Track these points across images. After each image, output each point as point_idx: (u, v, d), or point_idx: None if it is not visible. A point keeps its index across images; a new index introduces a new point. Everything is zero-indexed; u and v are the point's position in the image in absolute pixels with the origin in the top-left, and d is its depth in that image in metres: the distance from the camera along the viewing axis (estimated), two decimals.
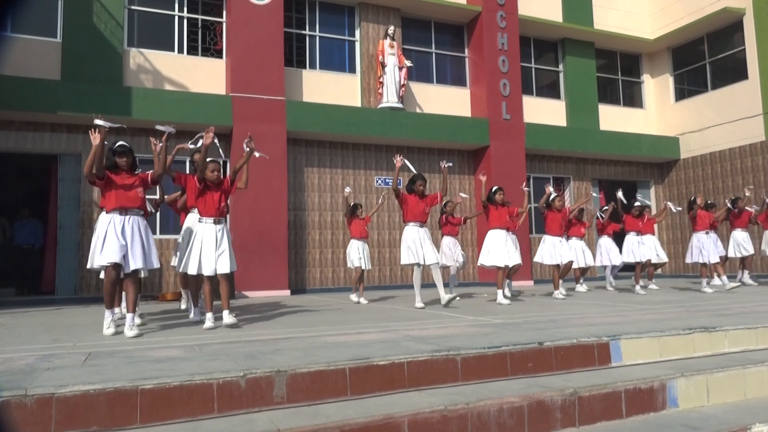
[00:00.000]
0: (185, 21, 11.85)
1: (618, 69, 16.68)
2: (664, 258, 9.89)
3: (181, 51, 11.75)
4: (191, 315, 6.10)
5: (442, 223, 8.94)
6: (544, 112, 14.91)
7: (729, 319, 4.91)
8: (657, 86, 16.82)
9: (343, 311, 6.96)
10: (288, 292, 11.08)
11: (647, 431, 3.19)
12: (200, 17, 12.00)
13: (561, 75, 15.60)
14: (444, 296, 6.99)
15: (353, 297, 8.61)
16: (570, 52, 15.48)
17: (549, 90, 15.64)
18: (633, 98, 16.95)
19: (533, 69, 15.32)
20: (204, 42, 12.01)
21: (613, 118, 15.91)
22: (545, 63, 15.65)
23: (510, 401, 3.09)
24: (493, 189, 7.83)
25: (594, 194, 7.97)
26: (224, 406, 2.86)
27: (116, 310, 5.18)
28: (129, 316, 4.89)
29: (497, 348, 3.59)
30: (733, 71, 14.79)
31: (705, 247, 9.35)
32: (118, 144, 5.08)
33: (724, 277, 9.39)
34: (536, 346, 3.70)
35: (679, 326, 4.41)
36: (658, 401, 3.49)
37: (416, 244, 6.98)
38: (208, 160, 5.31)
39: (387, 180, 12.91)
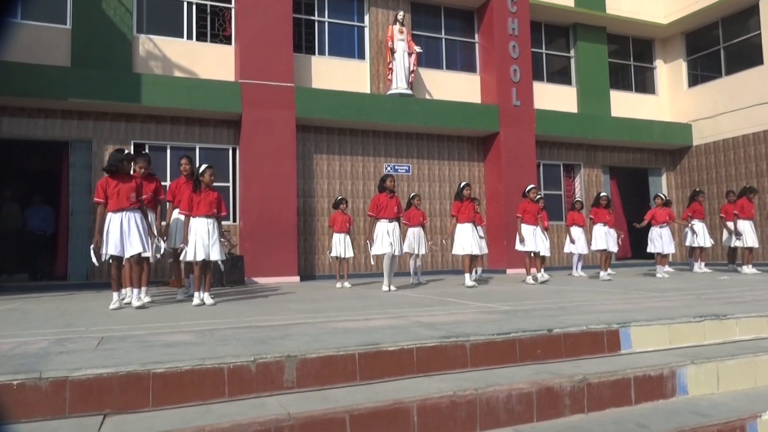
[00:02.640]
0: (194, 7, 11.81)
1: (630, 54, 16.46)
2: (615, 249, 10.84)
3: (190, 37, 11.73)
4: (178, 296, 6.98)
5: (405, 217, 9.54)
6: (555, 98, 14.77)
7: (740, 307, 4.87)
8: (670, 72, 16.59)
9: (352, 297, 7.00)
10: (297, 278, 11.13)
11: (656, 418, 3.18)
12: (209, 3, 11.94)
13: (572, 61, 15.42)
14: (386, 285, 8.08)
15: (342, 284, 9.15)
16: (581, 37, 15.29)
17: (560, 76, 15.47)
18: (645, 84, 16.74)
19: (544, 54, 15.16)
20: (213, 28, 11.97)
21: (624, 104, 15.73)
22: (556, 48, 15.48)
23: (519, 387, 3.10)
24: (461, 185, 8.47)
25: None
26: (235, 390, 2.88)
27: (122, 291, 6.03)
28: (135, 291, 5.88)
29: (506, 334, 3.59)
30: (747, 56, 14.54)
31: (662, 238, 10.20)
32: (126, 153, 5.99)
33: (668, 268, 10.38)
34: (545, 333, 3.70)
35: (689, 314, 4.39)
36: (668, 388, 3.48)
37: (389, 237, 7.99)
38: (204, 166, 6.21)
39: (396, 167, 12.88)
